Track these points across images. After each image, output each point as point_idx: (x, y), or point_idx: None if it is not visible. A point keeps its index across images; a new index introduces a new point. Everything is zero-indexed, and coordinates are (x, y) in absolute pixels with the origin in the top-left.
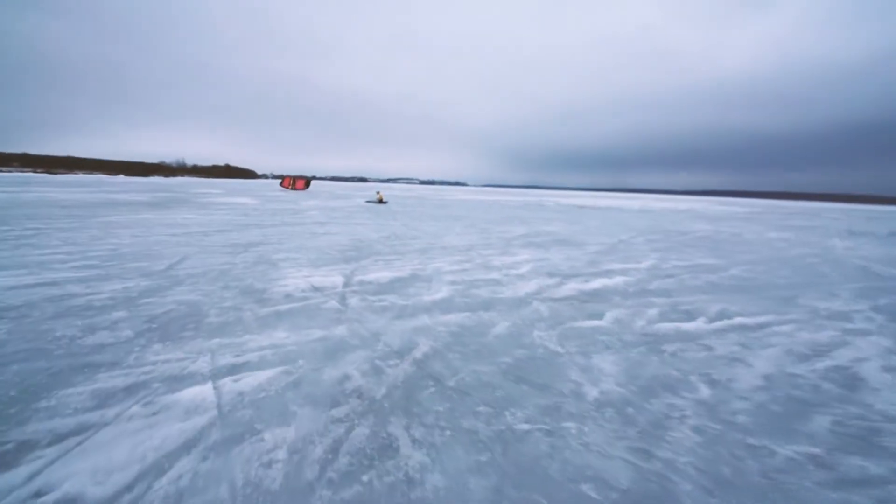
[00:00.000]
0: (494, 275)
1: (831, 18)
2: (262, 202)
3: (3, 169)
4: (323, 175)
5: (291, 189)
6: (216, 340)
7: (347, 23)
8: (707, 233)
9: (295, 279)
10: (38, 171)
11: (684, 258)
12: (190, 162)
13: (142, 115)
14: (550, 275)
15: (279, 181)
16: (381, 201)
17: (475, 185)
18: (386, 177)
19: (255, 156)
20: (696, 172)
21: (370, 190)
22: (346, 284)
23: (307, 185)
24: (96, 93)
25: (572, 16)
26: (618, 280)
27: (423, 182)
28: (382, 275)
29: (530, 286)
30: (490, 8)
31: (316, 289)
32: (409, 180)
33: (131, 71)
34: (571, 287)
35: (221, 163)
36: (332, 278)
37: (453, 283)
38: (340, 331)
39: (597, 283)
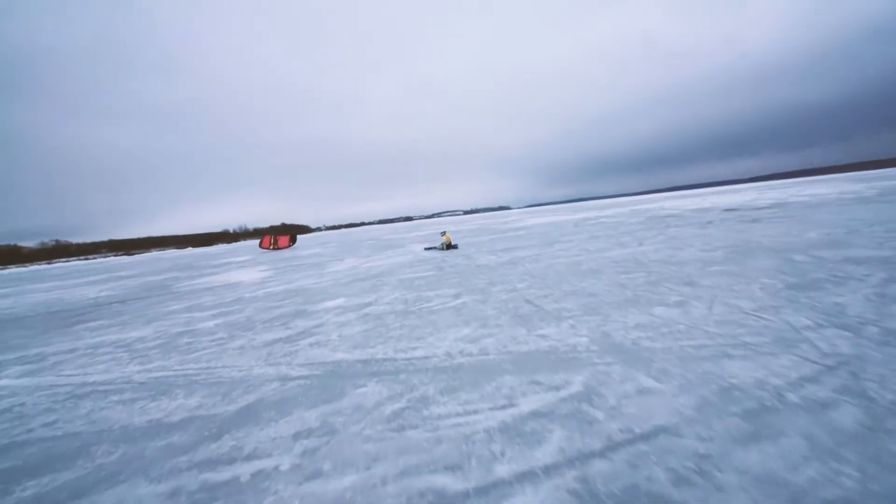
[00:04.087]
0: None
1: None
2: (274, 273)
3: (91, 256)
4: (371, 220)
5: (273, 249)
6: None
7: (374, 81)
8: None
9: None
10: (119, 253)
11: None
12: (251, 225)
13: (207, 190)
14: None
15: (258, 242)
16: (449, 246)
17: (519, 207)
18: (430, 212)
19: (308, 211)
20: (741, 160)
21: (420, 230)
22: None
23: (292, 241)
24: (167, 179)
25: (569, 28)
26: None
27: (466, 212)
28: None
29: None
30: (495, 35)
31: None
32: (453, 212)
33: (195, 155)
34: None
35: (278, 222)
36: None
37: None
38: None
39: None
